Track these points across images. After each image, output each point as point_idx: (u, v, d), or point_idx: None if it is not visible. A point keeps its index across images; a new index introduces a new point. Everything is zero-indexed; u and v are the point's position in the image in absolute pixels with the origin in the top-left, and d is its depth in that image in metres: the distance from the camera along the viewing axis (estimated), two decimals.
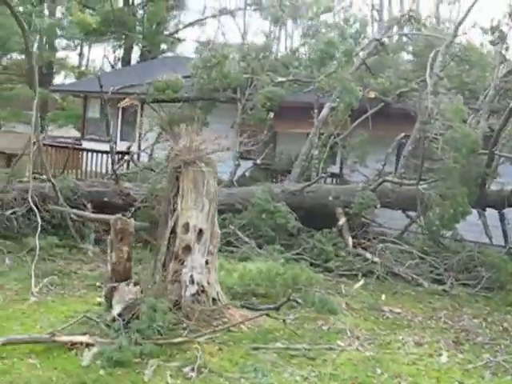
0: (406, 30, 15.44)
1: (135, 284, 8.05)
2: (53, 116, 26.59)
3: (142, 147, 17.98)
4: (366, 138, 13.50)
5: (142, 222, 12.61)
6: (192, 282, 7.62)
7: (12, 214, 12.86)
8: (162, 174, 14.35)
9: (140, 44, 27.84)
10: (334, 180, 14.69)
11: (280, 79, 15.58)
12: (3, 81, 28.03)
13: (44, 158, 12.47)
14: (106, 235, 13.40)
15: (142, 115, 18.89)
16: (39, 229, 11.18)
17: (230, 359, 6.67)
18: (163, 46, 29.41)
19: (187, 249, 7.57)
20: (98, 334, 6.93)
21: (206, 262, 7.70)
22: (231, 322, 7.59)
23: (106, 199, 13.61)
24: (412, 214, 13.01)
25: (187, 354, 6.67)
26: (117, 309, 7.58)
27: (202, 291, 7.66)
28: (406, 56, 16.48)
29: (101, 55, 34.66)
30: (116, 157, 16.93)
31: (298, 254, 11.51)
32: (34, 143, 12.90)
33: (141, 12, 28.38)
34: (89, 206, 13.52)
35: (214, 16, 27.30)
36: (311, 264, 11.00)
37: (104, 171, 17.66)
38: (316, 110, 13.16)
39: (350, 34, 12.10)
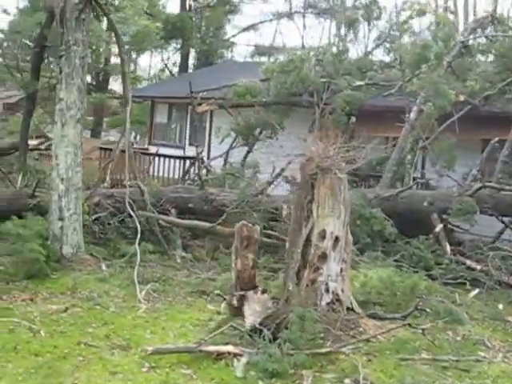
0: (487, 32, 15.10)
1: (263, 292, 7.93)
2: (111, 121, 26.68)
3: (212, 152, 17.94)
4: (453, 141, 13.23)
5: (232, 227, 12.52)
6: (327, 290, 7.45)
7: (95, 220, 12.87)
8: (250, 180, 14.27)
9: (197, 49, 27.81)
10: (420, 185, 14.41)
11: (358, 83, 15.40)
12: None
13: (134, 164, 12.41)
14: (191, 241, 13.48)
15: (212, 120, 18.86)
16: (139, 235, 11.13)
17: (382, 371, 6.47)
18: (220, 51, 29.40)
19: (323, 256, 7.40)
20: (242, 344, 6.80)
21: (341, 270, 7.53)
22: (366, 331, 7.40)
23: (190, 205, 13.54)
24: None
25: (338, 365, 6.50)
26: (250, 318, 7.45)
27: (337, 300, 7.49)
28: (484, 58, 16.13)
29: (147, 61, 34.66)
30: (198, 162, 16.90)
31: (396, 261, 11.28)
32: (120, 150, 12.96)
33: (198, 17, 28.44)
34: (173, 211, 13.49)
35: (271, 20, 27.22)
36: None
37: (175, 176, 17.62)
38: (408, 115, 12.92)
39: (440, 37, 11.86)
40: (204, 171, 14.22)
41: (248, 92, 15.02)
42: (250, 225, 8.04)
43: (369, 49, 16.68)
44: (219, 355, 6.52)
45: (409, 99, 14.08)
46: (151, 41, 23.77)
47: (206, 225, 12.67)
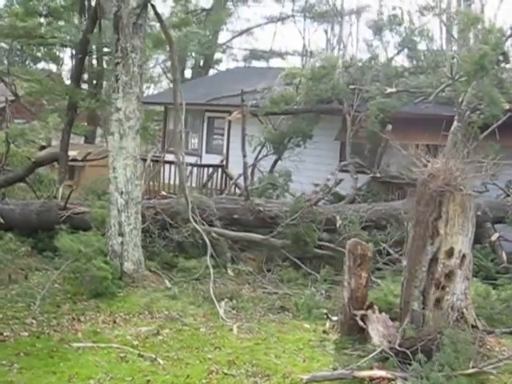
0: None
1: (380, 311, 7.77)
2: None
3: (231, 160, 17.63)
4: (497, 149, 13.26)
5: (283, 239, 12.31)
6: (452, 308, 7.32)
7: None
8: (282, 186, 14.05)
9: (197, 56, 27.26)
10: None
11: (389, 90, 15.34)
12: None
13: (184, 174, 12.04)
14: (238, 253, 13.12)
15: (230, 128, 18.55)
16: (209, 251, 10.81)
17: None
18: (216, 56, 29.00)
19: (450, 275, 7.24)
20: (383, 367, 6.62)
21: (464, 288, 7.42)
22: (493, 348, 7.31)
23: (235, 216, 13.24)
24: None
25: None
26: (376, 339, 7.27)
27: (461, 317, 7.36)
28: None
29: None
30: (224, 171, 16.59)
31: None
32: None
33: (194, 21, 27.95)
34: (217, 223, 13.16)
35: (267, 23, 26.93)
36: None
37: (192, 185, 17.24)
38: (455, 122, 12.90)
39: (491, 44, 11.90)
40: (247, 182, 13.83)
41: (284, 99, 14.79)
42: (364, 243, 7.85)
43: (390, 55, 16.58)
44: (372, 380, 6.33)
45: (444, 106, 14.09)
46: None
47: (259, 237, 12.41)
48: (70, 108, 13.44)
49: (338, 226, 12.12)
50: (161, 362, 7.16)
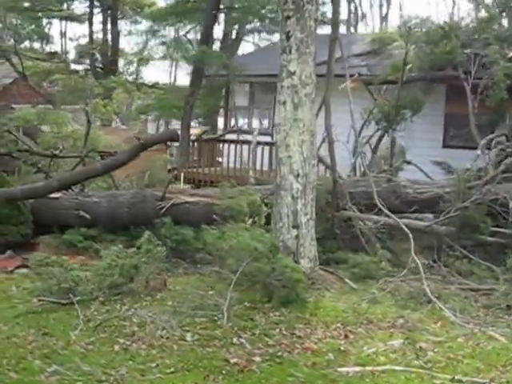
0: None
1: None
2: (137, 108, 23.64)
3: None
4: None
5: (447, 226, 10.58)
6: None
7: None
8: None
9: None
10: None
11: None
12: None
13: (334, 153, 10.20)
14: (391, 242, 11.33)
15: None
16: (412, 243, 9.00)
17: None
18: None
19: None
20: None
21: None
22: None
23: (376, 201, 11.46)
24: None
25: None
26: None
27: None
28: None
29: None
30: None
31: None
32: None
33: None
34: (354, 208, 11.37)
35: None
36: None
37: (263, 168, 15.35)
38: None
39: None
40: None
41: (400, 66, 13.00)
42: None
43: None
44: None
45: None
46: None
47: (422, 224, 10.66)
48: (194, 74, 11.23)
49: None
50: None
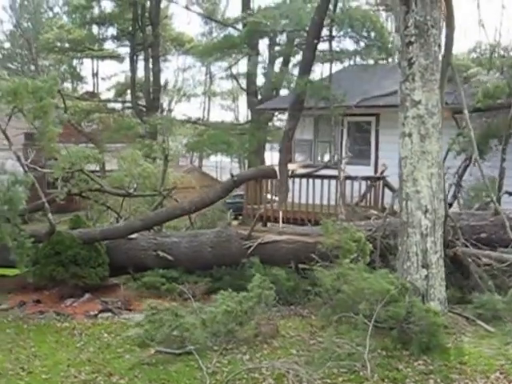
0: None
1: None
2: (189, 144, 23.09)
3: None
4: None
5: None
6: None
7: None
8: None
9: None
10: None
11: None
12: None
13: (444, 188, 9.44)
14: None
15: (378, 133, 16.02)
16: None
17: None
18: None
19: None
20: None
21: None
22: None
23: (483, 235, 10.64)
24: None
25: None
26: None
27: None
28: None
29: None
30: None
31: None
32: None
33: None
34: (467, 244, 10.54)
35: None
36: None
37: (330, 202, 14.42)
38: None
39: None
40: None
41: (497, 92, 12.32)
42: None
43: None
44: None
45: None
46: None
47: None
48: (295, 103, 10.55)
49: None
50: None
